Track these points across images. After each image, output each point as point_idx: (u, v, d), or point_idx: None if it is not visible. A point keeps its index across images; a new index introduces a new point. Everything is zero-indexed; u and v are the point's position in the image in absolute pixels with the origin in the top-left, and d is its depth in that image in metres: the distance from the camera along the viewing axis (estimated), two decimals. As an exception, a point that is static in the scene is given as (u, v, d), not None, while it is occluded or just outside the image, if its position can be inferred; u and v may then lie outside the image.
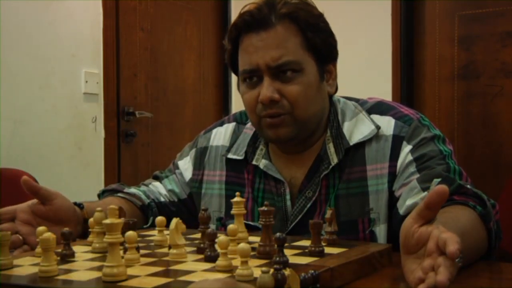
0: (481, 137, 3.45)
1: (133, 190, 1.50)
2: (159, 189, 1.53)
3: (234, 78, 3.64)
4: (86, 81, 3.06)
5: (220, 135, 1.51)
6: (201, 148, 1.52)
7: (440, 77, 3.58)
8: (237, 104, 3.95)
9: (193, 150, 1.54)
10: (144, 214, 1.46)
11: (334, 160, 1.33)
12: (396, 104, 1.41)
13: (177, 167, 1.55)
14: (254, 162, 1.41)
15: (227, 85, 4.02)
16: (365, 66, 3.68)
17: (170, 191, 1.53)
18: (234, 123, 1.51)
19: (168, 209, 1.50)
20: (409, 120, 1.33)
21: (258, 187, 1.41)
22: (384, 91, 3.57)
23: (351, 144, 1.33)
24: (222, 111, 3.99)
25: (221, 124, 1.54)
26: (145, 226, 1.41)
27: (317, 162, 1.36)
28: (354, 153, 1.33)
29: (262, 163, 1.40)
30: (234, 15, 3.93)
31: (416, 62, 3.66)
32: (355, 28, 3.71)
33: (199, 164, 1.51)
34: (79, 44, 3.04)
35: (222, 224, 1.44)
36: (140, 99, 3.42)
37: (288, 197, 1.37)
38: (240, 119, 1.52)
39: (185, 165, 1.53)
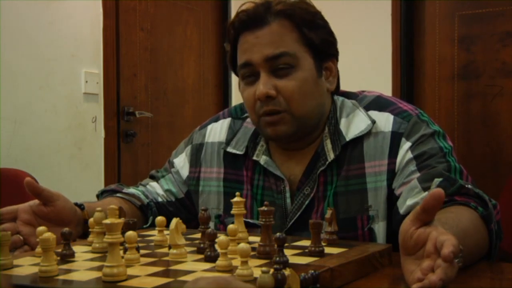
0: (481, 136, 3.45)
1: (132, 190, 1.49)
2: (156, 189, 1.53)
3: (234, 78, 3.64)
4: (86, 81, 3.06)
5: (216, 130, 1.50)
6: (197, 145, 1.51)
7: (440, 77, 3.58)
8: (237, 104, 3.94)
9: (189, 147, 1.53)
10: (143, 214, 1.45)
11: (331, 156, 1.32)
12: (394, 99, 1.40)
13: (172, 166, 1.54)
14: (254, 158, 1.40)
15: (227, 85, 4.02)
16: (365, 66, 3.68)
17: (167, 191, 1.52)
18: (229, 119, 1.50)
19: (166, 209, 1.50)
20: (408, 116, 1.32)
21: (258, 184, 1.40)
22: (384, 91, 3.53)
23: (347, 139, 1.32)
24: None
25: (216, 120, 1.53)
26: (145, 226, 1.41)
27: (314, 159, 1.35)
28: (352, 150, 1.33)
29: (263, 159, 1.39)
30: (234, 15, 3.92)
31: (416, 62, 3.66)
32: (355, 28, 3.71)
33: (195, 162, 1.50)
34: (79, 44, 3.04)
35: (220, 222, 1.44)
36: (140, 99, 3.42)
37: (288, 194, 1.36)
38: (235, 114, 1.51)
39: (181, 163, 1.52)
